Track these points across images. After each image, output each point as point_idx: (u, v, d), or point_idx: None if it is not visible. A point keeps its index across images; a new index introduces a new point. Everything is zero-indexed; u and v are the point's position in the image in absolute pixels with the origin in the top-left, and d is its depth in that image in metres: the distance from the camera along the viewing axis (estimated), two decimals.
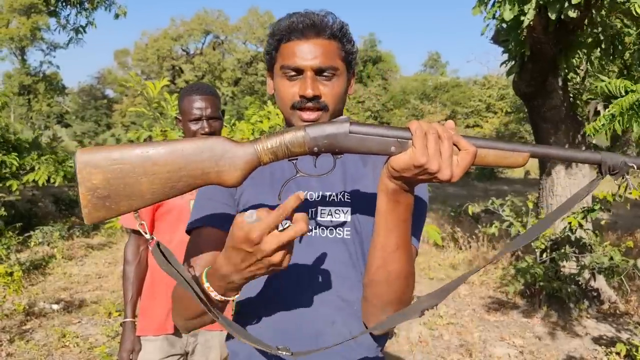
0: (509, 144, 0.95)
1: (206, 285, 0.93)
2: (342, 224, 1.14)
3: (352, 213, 1.15)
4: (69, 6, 10.44)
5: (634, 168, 0.91)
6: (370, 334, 1.14)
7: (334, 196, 1.16)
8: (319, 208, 1.15)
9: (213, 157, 0.90)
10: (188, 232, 1.16)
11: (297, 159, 0.95)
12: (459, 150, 0.89)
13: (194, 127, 2.02)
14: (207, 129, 2.00)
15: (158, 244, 0.95)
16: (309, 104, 1.10)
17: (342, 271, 1.13)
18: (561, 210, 0.98)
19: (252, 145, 0.92)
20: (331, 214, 1.15)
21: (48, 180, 7.01)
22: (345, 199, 1.16)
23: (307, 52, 1.10)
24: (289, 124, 1.16)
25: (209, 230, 1.11)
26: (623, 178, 0.91)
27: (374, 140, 0.92)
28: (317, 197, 1.16)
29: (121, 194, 0.88)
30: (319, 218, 1.14)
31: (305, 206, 1.12)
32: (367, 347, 1.14)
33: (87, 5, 10.31)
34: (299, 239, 1.01)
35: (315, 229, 1.13)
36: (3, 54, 29.06)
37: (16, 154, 5.89)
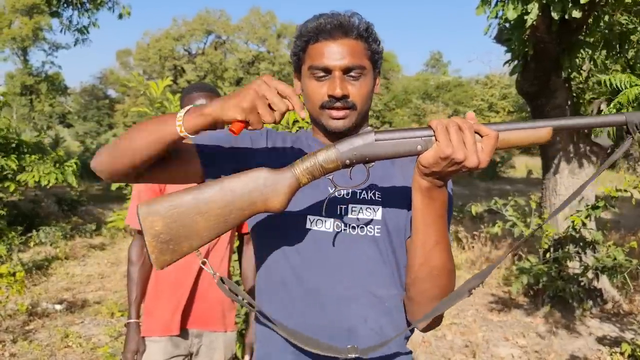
0: (529, 122, 0.98)
1: (180, 114, 0.97)
2: (373, 222, 1.17)
3: (383, 211, 1.18)
4: (70, 7, 10.44)
5: None
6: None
7: (364, 194, 1.18)
8: (350, 206, 1.17)
9: (258, 188, 0.99)
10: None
11: (333, 174, 1.02)
12: (482, 137, 0.93)
13: None
14: None
15: (222, 279, 1.11)
16: (338, 104, 1.12)
17: (374, 268, 1.16)
18: (592, 178, 1.01)
19: (290, 170, 1.00)
20: (362, 212, 1.17)
21: (47, 184, 6.96)
22: (376, 198, 1.18)
23: (335, 53, 1.12)
24: (317, 123, 1.20)
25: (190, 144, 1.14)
26: None
27: (399, 144, 0.98)
28: (347, 195, 1.18)
29: (181, 236, 0.98)
30: (349, 215, 1.16)
31: (337, 204, 1.16)
32: (398, 343, 1.17)
33: (89, 6, 10.31)
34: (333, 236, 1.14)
35: (346, 226, 1.15)
36: (5, 54, 29.07)
37: (15, 155, 5.88)
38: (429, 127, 0.95)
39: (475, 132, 0.93)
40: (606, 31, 4.75)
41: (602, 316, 4.93)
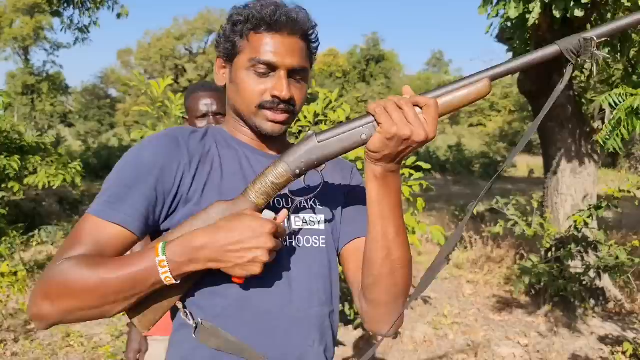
0: (464, 79, 0.95)
1: (161, 257, 0.89)
2: (317, 232, 1.09)
3: (325, 220, 1.11)
4: (71, 6, 10.44)
5: (594, 40, 0.88)
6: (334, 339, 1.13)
7: (304, 202, 1.09)
8: (293, 217, 1.08)
9: None
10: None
11: (286, 188, 1.00)
12: (422, 109, 0.91)
13: (200, 124, 2.01)
14: (214, 125, 1.98)
15: (197, 326, 1.00)
16: (281, 106, 1.03)
17: (319, 283, 1.08)
18: (530, 133, 0.98)
19: (245, 197, 0.97)
20: (305, 222, 1.09)
21: (49, 184, 6.95)
22: (317, 206, 1.11)
23: (284, 49, 1.01)
24: (247, 123, 1.08)
25: (120, 230, 0.95)
26: (591, 56, 0.88)
27: (343, 138, 0.95)
28: (288, 205, 1.08)
29: (158, 294, 0.97)
30: (293, 227, 1.07)
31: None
32: (322, 349, 1.09)
33: (89, 5, 10.31)
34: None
35: (291, 238, 1.07)
36: (7, 53, 29.15)
37: (19, 155, 5.89)
38: (368, 114, 0.94)
39: (415, 105, 0.91)
40: None
41: (604, 315, 4.93)
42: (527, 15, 4.19)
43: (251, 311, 1.01)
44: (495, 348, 4.23)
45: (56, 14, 10.83)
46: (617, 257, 4.47)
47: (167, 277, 0.89)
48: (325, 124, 3.58)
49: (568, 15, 4.11)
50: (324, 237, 1.10)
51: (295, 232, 1.08)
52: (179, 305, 1.01)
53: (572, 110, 5.31)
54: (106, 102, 40.84)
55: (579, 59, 0.90)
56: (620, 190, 4.30)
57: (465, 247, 7.39)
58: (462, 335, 4.50)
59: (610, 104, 3.57)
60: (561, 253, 4.82)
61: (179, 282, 0.91)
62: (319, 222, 1.10)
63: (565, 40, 0.90)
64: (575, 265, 4.99)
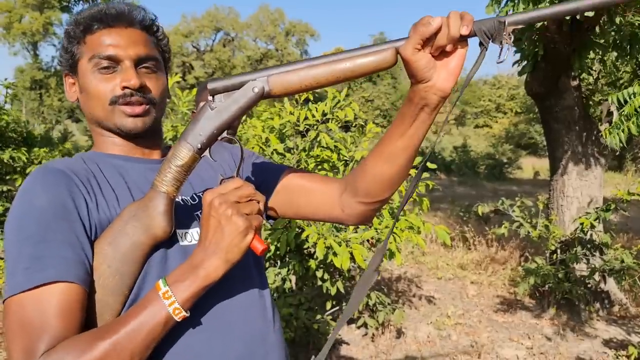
0: (374, 45, 0.88)
1: (164, 289, 0.82)
2: None
3: None
4: (81, 1, 10.50)
5: (506, 25, 0.81)
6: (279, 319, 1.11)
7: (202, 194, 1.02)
8: (181, 232, 0.98)
9: (133, 225, 0.89)
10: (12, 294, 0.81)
11: (194, 167, 0.93)
12: None
13: None
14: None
15: None
16: (135, 97, 0.96)
17: (252, 272, 1.05)
18: (446, 119, 0.91)
19: (155, 190, 0.90)
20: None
21: None
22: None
23: (125, 41, 0.97)
24: (110, 129, 1.00)
25: (63, 287, 0.80)
26: (502, 42, 0.80)
27: (237, 98, 0.88)
28: (194, 201, 1.03)
29: (93, 322, 0.86)
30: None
31: (187, 212, 1.01)
32: (279, 326, 1.09)
33: (99, 0, 10.37)
34: None
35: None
36: (16, 48, 29.34)
37: (26, 148, 5.92)
38: (258, 70, 0.88)
39: None
40: (615, 29, 4.72)
41: (609, 319, 4.91)
42: None
43: (206, 319, 0.94)
44: (499, 349, 4.22)
45: (65, 9, 10.90)
46: (622, 261, 4.45)
47: (175, 308, 0.81)
48: (332, 122, 3.59)
49: (577, 17, 4.10)
50: None
51: None
52: None
53: (579, 113, 5.29)
54: None
55: (492, 42, 0.82)
56: (629, 193, 4.28)
57: (469, 248, 7.38)
58: (465, 336, 4.50)
59: (619, 100, 3.55)
60: (566, 255, 4.80)
61: (189, 314, 0.84)
62: None
63: (480, 22, 0.82)
64: (580, 268, 4.98)
